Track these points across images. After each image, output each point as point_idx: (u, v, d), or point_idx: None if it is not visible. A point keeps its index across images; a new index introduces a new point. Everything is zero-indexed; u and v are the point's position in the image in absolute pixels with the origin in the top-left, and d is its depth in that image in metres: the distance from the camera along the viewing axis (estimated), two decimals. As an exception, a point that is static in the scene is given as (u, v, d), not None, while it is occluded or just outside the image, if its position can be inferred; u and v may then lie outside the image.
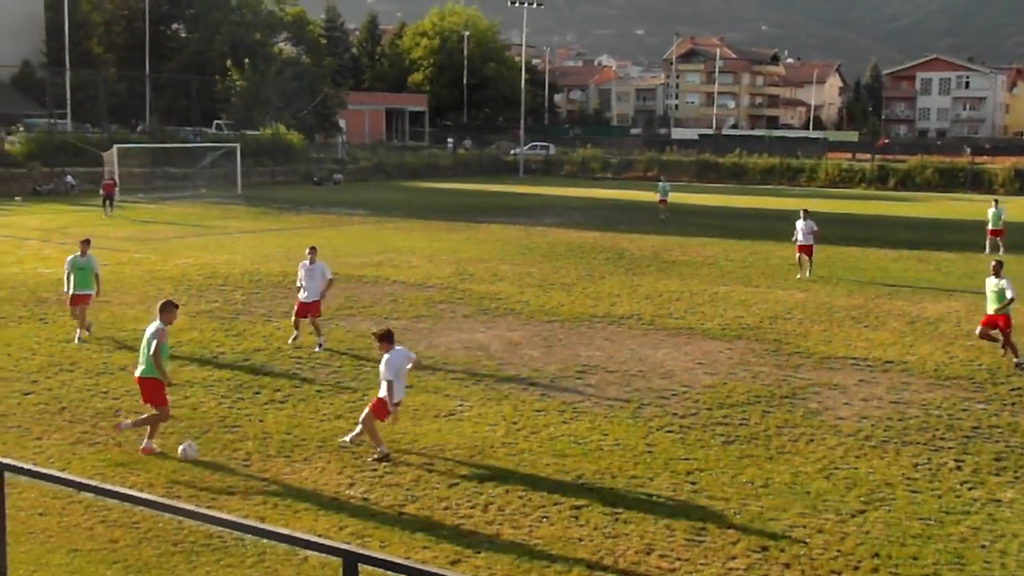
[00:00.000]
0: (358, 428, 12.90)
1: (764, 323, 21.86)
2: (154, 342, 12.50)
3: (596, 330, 20.80)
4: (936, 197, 66.66)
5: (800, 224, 28.28)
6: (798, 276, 28.05)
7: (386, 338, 12.92)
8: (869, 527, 10.76)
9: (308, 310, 18.72)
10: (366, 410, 12.78)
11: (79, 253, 19.10)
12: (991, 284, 18.55)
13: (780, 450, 13.27)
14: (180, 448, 12.46)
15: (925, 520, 10.98)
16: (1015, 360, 18.09)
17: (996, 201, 36.26)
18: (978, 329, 18.81)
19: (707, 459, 12.84)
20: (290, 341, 18.82)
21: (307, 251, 19.25)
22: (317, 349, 18.42)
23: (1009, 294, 18.16)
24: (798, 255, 28.55)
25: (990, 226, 35.21)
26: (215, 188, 57.95)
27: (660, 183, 48.94)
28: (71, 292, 18.87)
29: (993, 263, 18.89)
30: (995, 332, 18.47)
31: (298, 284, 18.93)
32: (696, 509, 11.14)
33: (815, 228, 28.34)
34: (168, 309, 12.98)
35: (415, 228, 40.19)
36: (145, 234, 36.76)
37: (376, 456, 12.48)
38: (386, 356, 12.67)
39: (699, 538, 10.38)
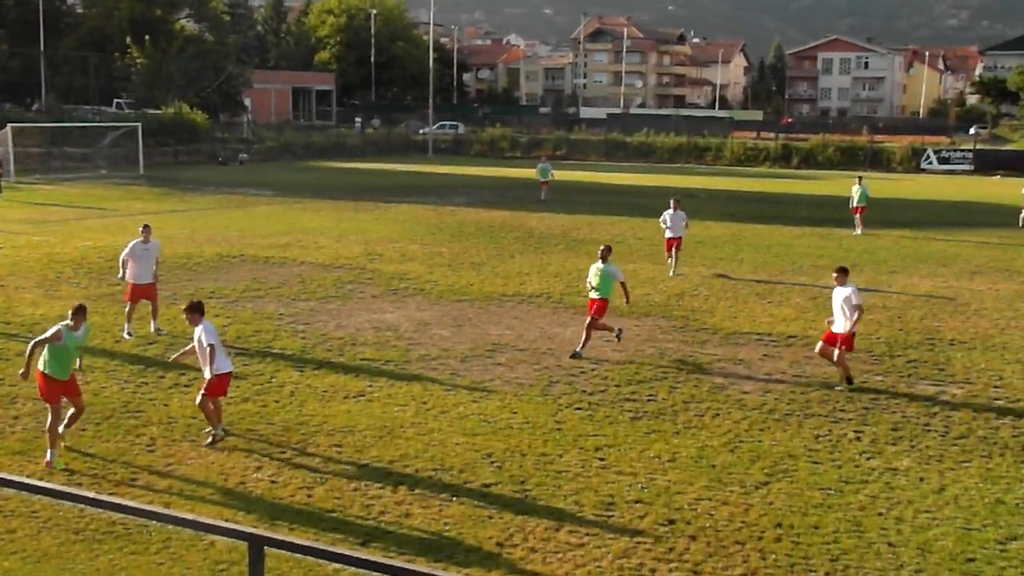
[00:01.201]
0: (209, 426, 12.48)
1: (671, 300, 22.16)
2: (46, 334, 11.76)
3: (506, 309, 20.85)
4: (837, 175, 68.15)
5: (668, 214, 25.55)
6: (670, 273, 25.25)
7: (196, 309, 12.54)
8: (772, 498, 11.01)
9: (143, 293, 17.67)
10: (199, 397, 12.32)
11: None
12: (595, 269, 17.29)
13: (687, 425, 13.49)
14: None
15: (826, 490, 11.27)
16: (615, 333, 17.35)
17: (860, 179, 36.32)
18: (588, 320, 17.30)
19: (615, 435, 12.99)
20: (125, 335, 17.54)
21: (140, 229, 18.03)
22: (155, 333, 17.68)
23: (620, 277, 17.35)
24: (667, 251, 25.89)
25: (854, 203, 34.96)
26: (116, 168, 56.52)
27: (540, 164, 46.11)
28: None
29: (602, 247, 17.73)
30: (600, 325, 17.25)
31: (121, 262, 17.65)
32: (604, 484, 11.27)
33: (686, 220, 25.79)
34: (76, 314, 11.90)
35: (323, 208, 39.76)
36: (43, 216, 35.70)
37: (209, 441, 12.28)
38: (200, 327, 12.34)
39: (607, 513, 10.51)
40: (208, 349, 12.16)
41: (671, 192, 50.77)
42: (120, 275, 17.84)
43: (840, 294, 15.38)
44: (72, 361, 11.95)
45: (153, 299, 17.92)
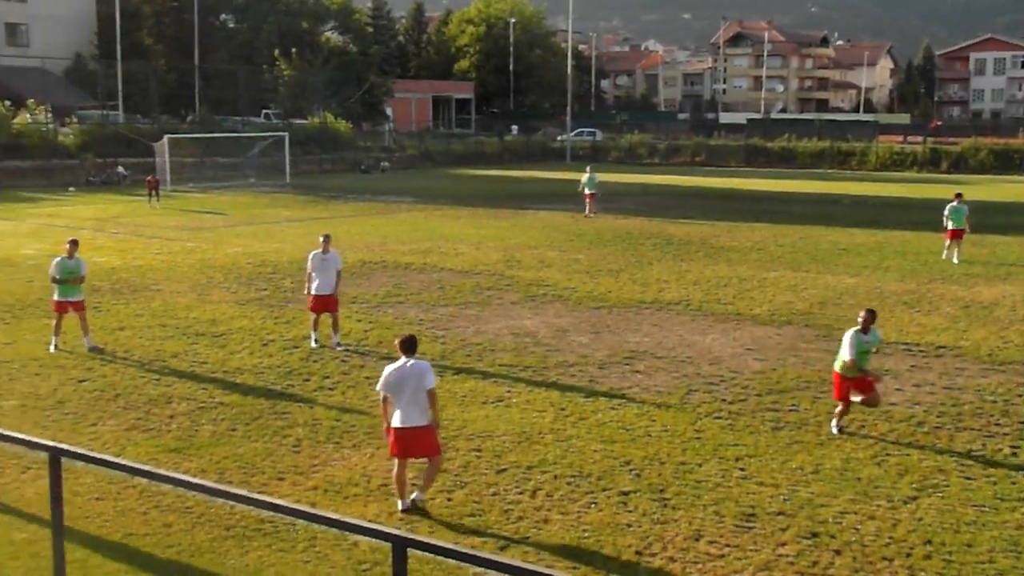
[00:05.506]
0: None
1: (814, 308, 21.64)
2: None
3: (644, 316, 20.71)
4: (990, 180, 65.47)
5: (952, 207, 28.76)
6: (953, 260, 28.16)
7: (408, 346, 10.61)
8: (922, 514, 10.63)
9: (325, 304, 17.45)
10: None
11: (66, 255, 17.20)
12: (856, 340, 13.18)
13: (830, 436, 13.14)
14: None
15: (979, 507, 10.82)
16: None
17: (959, 195, 29.03)
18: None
19: (756, 445, 12.75)
20: (312, 344, 17.55)
21: (321, 239, 17.73)
22: (336, 348, 17.39)
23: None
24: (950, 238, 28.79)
25: (950, 225, 28.43)
26: (264, 177, 58.51)
27: (586, 174, 40.64)
28: (56, 298, 17.24)
29: (864, 312, 13.51)
30: None
31: (308, 273, 17.48)
32: (745, 495, 11.07)
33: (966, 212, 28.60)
34: None
35: (462, 215, 40.26)
36: (196, 223, 37.19)
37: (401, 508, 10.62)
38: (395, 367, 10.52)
39: (748, 524, 10.32)
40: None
41: (812, 198, 49.71)
42: (307, 290, 17.58)
43: None
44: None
45: (334, 311, 17.64)
